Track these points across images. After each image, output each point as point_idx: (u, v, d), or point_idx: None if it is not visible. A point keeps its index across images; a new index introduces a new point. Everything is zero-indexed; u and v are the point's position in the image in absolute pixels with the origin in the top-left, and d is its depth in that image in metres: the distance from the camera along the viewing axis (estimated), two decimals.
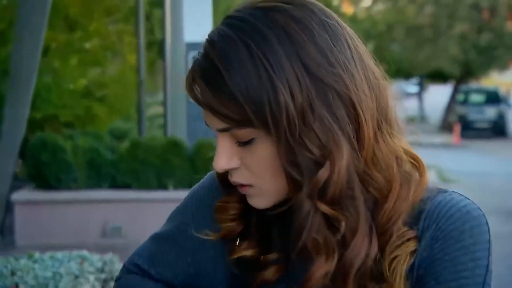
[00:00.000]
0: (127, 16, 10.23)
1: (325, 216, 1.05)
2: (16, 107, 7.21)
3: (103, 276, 4.24)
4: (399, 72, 32.69)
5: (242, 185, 1.09)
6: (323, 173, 1.03)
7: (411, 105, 41.29)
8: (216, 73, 1.01)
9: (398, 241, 1.07)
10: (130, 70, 9.63)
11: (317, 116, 1.02)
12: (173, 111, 8.78)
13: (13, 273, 3.95)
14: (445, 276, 1.08)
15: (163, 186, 7.41)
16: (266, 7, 1.02)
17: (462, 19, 25.77)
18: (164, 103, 9.11)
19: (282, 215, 1.13)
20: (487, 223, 1.10)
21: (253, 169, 1.07)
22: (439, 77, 33.01)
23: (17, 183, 7.73)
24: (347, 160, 1.03)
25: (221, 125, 1.03)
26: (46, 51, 7.60)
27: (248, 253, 1.16)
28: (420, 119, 33.68)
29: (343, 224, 1.04)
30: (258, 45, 1.00)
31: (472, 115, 26.48)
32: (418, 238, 1.07)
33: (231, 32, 1.01)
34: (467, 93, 28.65)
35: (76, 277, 3.99)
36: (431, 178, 11.55)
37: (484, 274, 1.07)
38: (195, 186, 1.26)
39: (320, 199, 1.04)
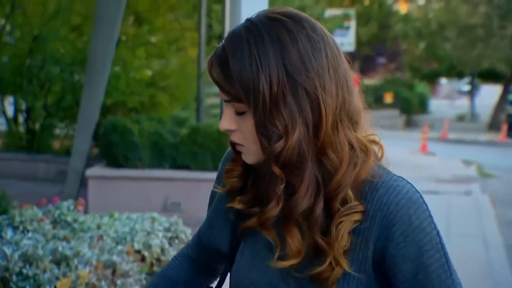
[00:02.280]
0: (189, 13, 10.87)
1: (277, 175, 1.33)
2: (92, 93, 7.77)
3: (169, 234, 4.94)
4: (451, 71, 32.64)
5: (237, 144, 1.39)
6: (278, 145, 1.32)
7: (462, 103, 41.07)
8: (226, 60, 1.31)
9: (346, 211, 1.35)
10: (190, 63, 10.27)
11: (287, 104, 1.31)
12: None
13: (98, 227, 4.69)
14: (413, 254, 1.36)
15: (217, 168, 7.91)
16: (271, 17, 1.33)
17: None
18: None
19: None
20: (424, 201, 1.38)
21: (244, 133, 1.36)
22: (490, 76, 32.82)
23: (88, 161, 8.24)
24: (298, 139, 1.31)
25: (226, 97, 1.34)
26: (116, 43, 8.26)
27: (240, 206, 1.44)
28: (470, 117, 33.61)
29: (285, 182, 1.33)
30: (256, 45, 1.30)
31: None
32: (365, 212, 1.35)
33: (242, 31, 1.32)
34: None
35: (148, 233, 4.66)
36: (471, 173, 12.01)
37: (438, 239, 1.39)
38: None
39: (275, 163, 1.33)
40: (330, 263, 1.36)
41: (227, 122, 1.37)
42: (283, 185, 1.33)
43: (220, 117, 1.60)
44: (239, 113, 1.35)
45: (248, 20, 1.34)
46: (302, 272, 1.38)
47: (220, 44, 1.34)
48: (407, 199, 1.37)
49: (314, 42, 1.32)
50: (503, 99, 28.33)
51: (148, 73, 9.94)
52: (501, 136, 23.70)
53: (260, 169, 1.41)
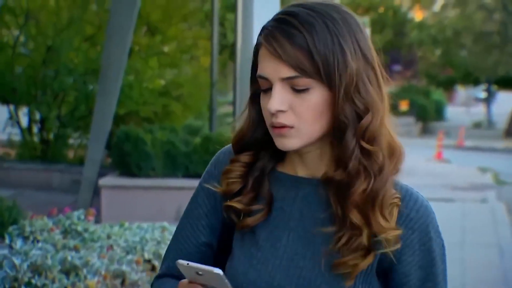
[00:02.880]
0: (202, 22, 10.93)
1: (363, 150, 1.38)
2: (105, 102, 7.86)
3: None
4: (467, 77, 32.56)
5: (283, 127, 1.37)
6: (366, 121, 1.37)
7: (479, 110, 40.91)
8: (299, 35, 1.34)
9: (392, 198, 1.41)
10: (203, 72, 10.32)
11: (363, 81, 1.37)
12: (242, 110, 9.45)
13: (108, 237, 4.70)
14: (425, 263, 1.43)
15: None
16: (328, 4, 1.38)
17: None
18: (233, 103, 9.77)
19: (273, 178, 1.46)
20: (433, 211, 1.45)
21: (298, 112, 1.36)
22: (507, 83, 32.71)
23: (102, 170, 8.34)
24: (382, 115, 1.40)
25: (289, 73, 1.35)
26: (129, 53, 8.30)
27: (238, 205, 1.45)
28: (487, 124, 33.47)
29: (380, 155, 1.39)
30: (331, 22, 1.36)
31: None
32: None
33: (311, 11, 1.36)
34: None
35: (158, 242, 4.68)
36: (487, 180, 11.99)
37: (444, 250, 1.46)
38: (213, 158, 1.56)
39: (362, 139, 1.37)
40: (363, 250, 1.39)
41: (279, 102, 1.36)
42: (380, 161, 1.39)
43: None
44: (299, 91, 1.36)
45: (302, 5, 1.38)
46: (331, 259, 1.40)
47: (276, 20, 1.37)
48: (424, 207, 1.45)
49: (363, 33, 1.42)
50: None
51: (161, 82, 9.99)
52: None
53: (264, 168, 1.46)
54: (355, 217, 1.38)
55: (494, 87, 35.32)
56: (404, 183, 1.45)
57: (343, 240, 1.40)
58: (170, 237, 4.78)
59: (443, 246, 1.46)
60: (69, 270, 3.88)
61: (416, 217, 1.43)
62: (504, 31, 26.04)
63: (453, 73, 32.77)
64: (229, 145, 1.53)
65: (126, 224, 4.96)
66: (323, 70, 1.35)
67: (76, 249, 4.25)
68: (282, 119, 1.37)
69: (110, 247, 4.39)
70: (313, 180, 1.46)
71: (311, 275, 1.43)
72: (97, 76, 8.47)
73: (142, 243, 4.52)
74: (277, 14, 1.39)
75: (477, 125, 32.97)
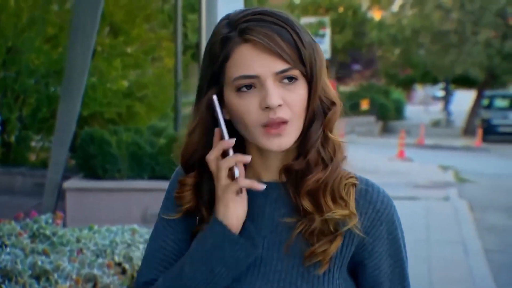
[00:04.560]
0: (165, 23, 10.88)
1: (324, 141, 1.48)
2: (68, 104, 7.73)
3: None
4: (426, 77, 32.94)
5: (282, 123, 1.43)
6: (332, 113, 1.49)
7: (437, 109, 41.42)
8: (284, 30, 1.43)
9: (346, 178, 1.52)
10: (167, 73, 10.26)
11: (325, 77, 1.49)
12: None
13: (78, 240, 4.65)
14: (393, 250, 1.53)
15: None
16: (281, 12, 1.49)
17: (487, 25, 25.91)
18: None
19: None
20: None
21: (291, 105, 1.43)
22: (464, 82, 33.16)
23: (65, 173, 8.24)
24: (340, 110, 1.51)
25: (283, 66, 1.42)
26: (92, 54, 8.23)
27: (201, 227, 1.51)
28: (445, 123, 33.90)
29: (333, 146, 1.49)
30: (297, 23, 1.47)
31: (496, 119, 26.64)
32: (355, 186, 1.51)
33: (279, 12, 1.46)
34: (491, 98, 28.78)
35: (129, 245, 4.63)
36: (448, 178, 12.13)
37: (403, 234, 1.56)
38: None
39: (327, 129, 1.49)
40: (329, 235, 1.47)
41: (278, 96, 1.42)
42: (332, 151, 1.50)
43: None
44: (290, 84, 1.43)
45: (272, 12, 1.46)
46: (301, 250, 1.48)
47: (253, 19, 1.43)
48: (387, 197, 1.54)
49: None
50: (477, 105, 28.67)
51: (125, 83, 9.90)
52: (476, 141, 23.93)
53: (211, 177, 1.49)
54: (306, 204, 1.46)
55: (451, 86, 35.80)
56: (362, 176, 1.54)
57: (301, 227, 1.47)
58: (141, 240, 4.73)
59: (402, 230, 1.55)
60: (39, 275, 3.82)
61: (381, 208, 1.51)
62: (461, 30, 26.40)
63: (412, 72, 33.12)
64: (173, 175, 1.61)
65: (95, 227, 4.91)
66: (307, 62, 1.44)
67: (45, 253, 4.19)
68: (281, 114, 1.42)
69: (80, 250, 4.35)
70: (276, 184, 1.52)
71: (291, 277, 1.48)
72: (59, 77, 8.37)
73: (112, 246, 4.47)
74: (248, 15, 1.44)
75: (435, 124, 33.38)
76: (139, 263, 4.56)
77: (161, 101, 9.72)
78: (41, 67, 9.93)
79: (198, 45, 9.77)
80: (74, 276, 3.79)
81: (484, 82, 28.97)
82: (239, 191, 1.46)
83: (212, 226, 1.46)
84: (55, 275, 3.74)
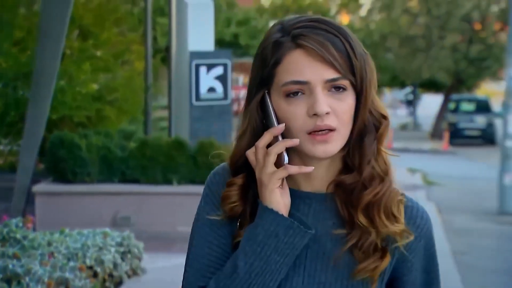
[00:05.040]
0: (135, 26, 10.85)
1: (377, 155, 1.48)
2: (37, 108, 7.70)
3: (121, 249, 4.95)
4: (394, 80, 33.22)
5: (330, 130, 1.42)
6: (384, 127, 1.48)
7: (405, 113, 41.78)
8: (337, 39, 1.42)
9: (397, 195, 1.50)
10: (137, 76, 10.24)
11: (373, 90, 1.48)
12: (177, 114, 9.43)
13: (49, 244, 4.64)
14: (430, 267, 1.53)
15: (168, 181, 7.91)
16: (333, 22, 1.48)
17: (453, 30, 26.17)
18: (169, 107, 9.73)
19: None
20: None
21: (339, 113, 1.43)
22: (431, 86, 33.50)
23: (33, 176, 8.26)
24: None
25: (334, 74, 1.41)
26: (61, 57, 8.18)
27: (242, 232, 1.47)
28: (413, 126, 34.22)
29: (387, 161, 1.49)
30: (350, 33, 1.46)
31: (463, 123, 26.88)
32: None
33: (342, 26, 1.46)
34: (458, 101, 29.06)
35: (100, 248, 4.65)
36: (417, 181, 12.27)
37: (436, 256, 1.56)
38: (207, 179, 1.57)
39: (380, 144, 1.48)
40: (379, 252, 1.46)
41: (326, 104, 1.41)
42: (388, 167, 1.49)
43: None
44: (338, 93, 1.43)
45: (324, 19, 1.46)
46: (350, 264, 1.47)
47: (308, 26, 1.43)
48: (426, 213, 1.54)
49: None
50: (444, 108, 28.93)
51: (95, 87, 9.85)
52: (443, 144, 24.17)
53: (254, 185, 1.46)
54: (362, 219, 1.45)
55: (419, 90, 36.15)
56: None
57: (353, 240, 1.45)
58: (112, 243, 4.73)
59: (435, 247, 1.56)
60: (10, 279, 3.80)
61: (421, 224, 1.51)
62: (428, 35, 26.63)
63: (380, 76, 33.36)
64: (223, 164, 1.55)
65: (67, 231, 4.91)
66: (358, 73, 1.43)
67: (16, 257, 4.17)
68: (328, 121, 1.42)
69: (51, 254, 4.36)
70: (321, 195, 1.50)
71: None
72: (28, 80, 8.28)
73: (83, 250, 4.50)
74: (302, 22, 1.45)
75: (403, 127, 33.67)
76: (111, 266, 4.56)
77: (131, 105, 9.70)
78: (9, 71, 9.83)
79: (168, 49, 9.78)
80: (46, 280, 3.78)
81: (450, 86, 29.27)
82: (281, 184, 1.44)
83: (262, 214, 1.44)
84: (27, 279, 3.73)
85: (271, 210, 1.43)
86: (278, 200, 1.43)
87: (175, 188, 7.88)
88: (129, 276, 4.76)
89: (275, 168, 1.43)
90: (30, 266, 3.85)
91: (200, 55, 9.19)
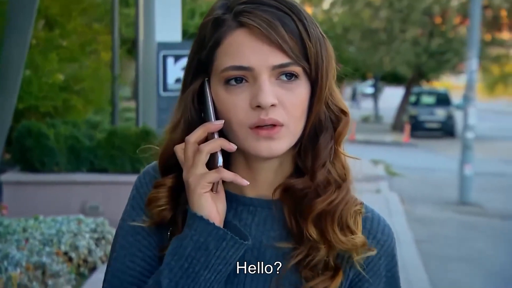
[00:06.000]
0: (101, 16, 10.84)
1: (334, 158, 1.26)
2: (5, 98, 7.71)
3: (95, 235, 5.02)
4: (356, 73, 33.53)
5: (274, 126, 1.20)
6: (343, 125, 1.26)
7: (366, 105, 42.18)
8: (288, 18, 1.20)
9: (354, 205, 1.29)
10: (104, 67, 10.25)
11: (332, 81, 1.27)
12: (144, 105, 9.48)
13: (24, 230, 4.71)
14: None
15: (136, 170, 7.89)
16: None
17: (414, 23, 26.49)
18: (136, 97, 9.77)
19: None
20: None
21: (288, 106, 1.20)
22: (393, 79, 33.90)
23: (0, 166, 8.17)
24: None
25: (282, 59, 1.19)
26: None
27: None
28: (374, 118, 34.58)
29: (345, 164, 1.28)
30: (306, 12, 1.24)
31: (423, 115, 27.33)
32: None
33: (295, 3, 1.24)
34: (418, 94, 29.54)
35: (75, 234, 4.73)
36: (380, 172, 12.53)
37: (399, 278, 1.34)
38: (136, 180, 1.35)
39: (338, 144, 1.27)
40: (331, 271, 1.25)
41: (272, 95, 1.19)
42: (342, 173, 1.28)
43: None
44: (288, 82, 1.21)
45: None
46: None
47: (254, 2, 1.21)
48: (388, 227, 1.32)
49: None
50: (405, 101, 29.29)
51: (61, 77, 9.84)
52: (404, 136, 24.50)
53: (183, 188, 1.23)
54: (312, 231, 1.23)
55: (381, 83, 36.52)
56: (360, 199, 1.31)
57: (300, 256, 1.24)
58: (86, 229, 4.81)
59: (398, 267, 1.33)
60: None
61: (382, 240, 1.29)
62: (390, 28, 26.91)
63: (342, 68, 33.58)
64: (154, 163, 1.33)
65: (41, 217, 4.96)
66: (312, 59, 1.22)
67: None
68: (274, 115, 1.20)
69: (27, 240, 4.41)
70: (267, 202, 1.29)
71: None
72: None
73: (58, 236, 4.56)
74: None
75: (365, 119, 34.01)
76: (85, 251, 4.63)
77: (97, 95, 9.71)
78: None
79: (135, 40, 9.80)
80: (23, 264, 3.84)
81: (411, 79, 29.64)
82: (215, 188, 1.22)
83: (190, 223, 1.21)
84: (5, 263, 3.78)
85: (201, 218, 1.19)
86: (209, 206, 1.20)
87: None
88: (103, 262, 4.83)
89: (206, 170, 1.20)
90: (7, 251, 3.91)
91: (167, 46, 9.23)
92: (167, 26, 9.41)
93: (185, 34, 13.34)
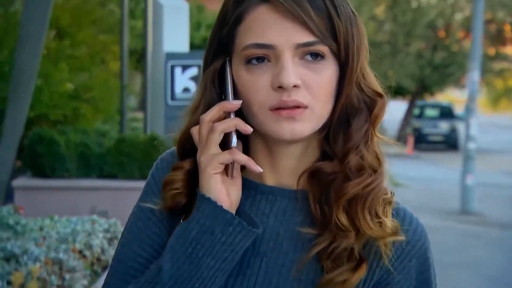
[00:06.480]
0: (110, 27, 11.08)
1: (368, 142, 1.19)
2: (17, 106, 7.86)
3: (108, 235, 5.21)
4: None
5: (298, 107, 1.12)
6: (380, 108, 1.19)
7: None
8: (322, 0, 1.13)
9: (383, 193, 1.20)
10: (113, 76, 10.47)
11: (365, 63, 1.21)
12: (152, 113, 9.69)
13: (41, 229, 4.90)
14: None
15: (144, 177, 8.10)
16: None
17: (418, 37, 26.71)
18: (144, 106, 9.98)
19: None
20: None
21: (312, 87, 1.13)
22: (397, 92, 34.10)
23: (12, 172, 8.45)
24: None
25: (307, 38, 1.12)
26: None
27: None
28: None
29: (380, 149, 1.21)
30: None
31: (427, 128, 27.49)
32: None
33: None
34: (422, 107, 29.69)
35: (89, 234, 4.91)
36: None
37: (436, 279, 1.22)
38: (152, 167, 1.30)
39: (374, 128, 1.19)
40: (353, 261, 1.16)
41: (295, 75, 1.12)
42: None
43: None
44: (314, 62, 1.14)
45: None
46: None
47: None
48: (421, 227, 1.22)
49: None
50: (409, 114, 29.44)
51: (71, 86, 10.06)
52: (408, 149, 24.65)
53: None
54: (342, 216, 1.15)
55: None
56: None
57: (323, 244, 1.15)
58: (100, 229, 5.00)
59: (435, 271, 1.24)
60: (9, 258, 4.05)
61: (413, 240, 1.19)
62: (394, 42, 27.11)
63: None
64: (172, 149, 1.29)
65: (56, 217, 5.15)
66: (342, 38, 1.15)
67: (9, 241, 4.41)
68: (296, 96, 1.13)
69: (43, 238, 4.60)
70: (289, 192, 1.21)
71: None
72: (4, 80, 8.46)
73: (73, 235, 4.73)
74: None
75: None
76: (99, 250, 4.82)
77: (106, 104, 9.92)
78: None
79: (143, 50, 9.99)
80: (42, 259, 4.03)
81: (415, 92, 29.81)
82: (230, 172, 1.16)
83: (199, 205, 1.14)
84: (25, 258, 3.98)
85: (209, 200, 1.13)
86: (218, 188, 1.14)
87: None
88: None
89: (218, 150, 1.14)
90: (26, 247, 4.10)
91: (175, 56, 9.45)
92: (175, 37, 9.65)
93: (191, 46, 13.57)
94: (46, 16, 7.91)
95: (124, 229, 1.27)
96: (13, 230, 4.67)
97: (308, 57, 1.14)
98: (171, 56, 9.36)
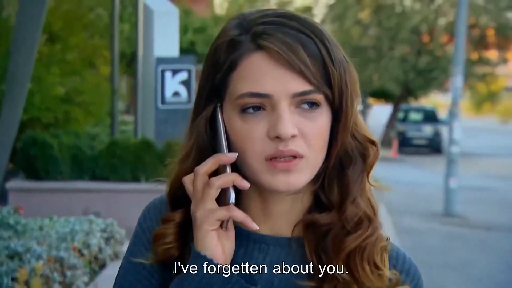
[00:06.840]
0: (102, 32, 11.21)
1: (363, 191, 1.16)
2: (11, 109, 8.01)
3: (105, 235, 5.37)
4: None
5: (294, 157, 1.09)
6: (374, 157, 1.16)
7: None
8: (310, 41, 1.10)
9: (380, 241, 1.18)
10: (103, 80, 10.61)
11: (358, 116, 1.18)
12: (143, 117, 9.85)
13: (41, 229, 5.06)
14: None
15: (136, 179, 8.30)
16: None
17: (403, 42, 26.86)
18: (134, 110, 10.14)
19: None
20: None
21: (308, 137, 1.10)
22: (381, 95, 34.34)
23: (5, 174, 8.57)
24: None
25: (304, 87, 1.09)
26: None
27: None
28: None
29: (374, 197, 1.17)
30: (328, 34, 1.14)
31: (411, 132, 27.65)
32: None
33: (312, 21, 1.12)
34: (406, 111, 29.87)
35: (87, 233, 5.09)
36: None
37: None
38: (140, 215, 1.24)
39: (367, 178, 1.16)
40: None
41: (292, 125, 1.10)
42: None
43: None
44: (309, 111, 1.12)
45: (293, 13, 1.14)
46: None
47: (274, 23, 1.11)
48: (415, 267, 1.23)
49: None
50: (393, 118, 29.66)
51: (62, 90, 10.18)
52: (392, 152, 24.85)
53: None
54: (342, 270, 1.14)
55: (369, 99, 36.94)
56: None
57: None
58: (97, 228, 5.17)
59: None
60: (13, 256, 4.21)
61: (407, 280, 1.20)
62: (379, 46, 27.30)
63: None
64: (160, 196, 1.25)
65: (55, 218, 5.31)
66: (336, 86, 1.12)
67: (11, 240, 4.57)
68: (294, 146, 1.10)
69: (43, 237, 4.76)
70: (282, 240, 1.19)
71: None
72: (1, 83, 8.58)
73: (72, 234, 4.90)
74: (267, 16, 1.13)
75: None
76: (96, 249, 4.99)
77: (97, 107, 10.06)
78: None
79: (134, 57, 10.14)
80: (45, 257, 4.20)
81: (399, 96, 30.03)
82: (225, 225, 1.13)
83: (193, 262, 1.11)
84: (28, 255, 4.14)
85: (204, 258, 1.09)
86: (214, 245, 1.10)
87: (142, 185, 8.19)
88: (112, 259, 5.17)
89: (215, 205, 1.11)
90: (29, 245, 4.27)
91: (165, 60, 9.62)
92: (165, 42, 9.81)
93: (179, 50, 13.67)
94: (40, 19, 8.02)
95: (115, 283, 1.22)
96: (14, 230, 4.82)
97: (305, 106, 1.11)
98: (161, 60, 9.52)
